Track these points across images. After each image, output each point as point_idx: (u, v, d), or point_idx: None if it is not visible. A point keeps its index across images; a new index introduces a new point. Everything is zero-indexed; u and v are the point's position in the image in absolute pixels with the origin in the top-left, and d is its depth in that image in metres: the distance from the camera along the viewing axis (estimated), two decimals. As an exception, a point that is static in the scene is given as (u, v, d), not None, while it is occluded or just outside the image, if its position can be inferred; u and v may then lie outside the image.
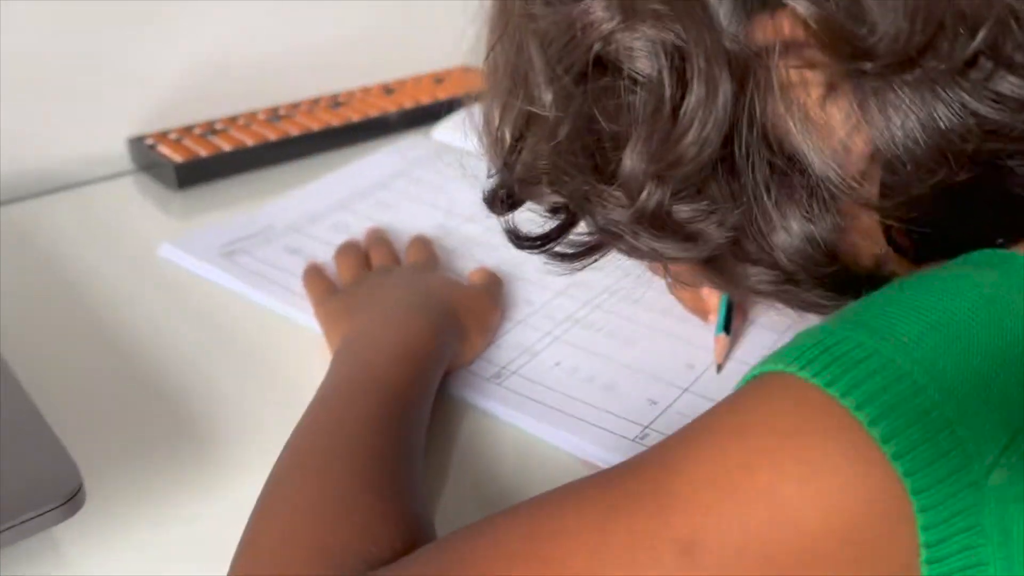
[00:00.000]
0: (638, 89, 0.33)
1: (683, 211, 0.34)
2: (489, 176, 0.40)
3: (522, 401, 0.50)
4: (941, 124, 0.30)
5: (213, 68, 0.80)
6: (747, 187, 0.33)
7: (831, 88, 0.32)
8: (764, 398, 0.30)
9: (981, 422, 0.27)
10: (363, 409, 0.42)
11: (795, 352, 0.29)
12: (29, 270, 0.63)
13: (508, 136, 0.37)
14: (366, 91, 0.88)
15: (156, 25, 0.77)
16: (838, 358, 0.28)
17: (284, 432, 0.44)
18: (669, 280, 0.44)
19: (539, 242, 0.40)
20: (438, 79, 0.92)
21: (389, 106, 0.85)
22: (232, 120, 0.80)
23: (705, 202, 0.34)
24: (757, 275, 0.36)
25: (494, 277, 0.59)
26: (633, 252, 0.37)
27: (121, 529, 0.42)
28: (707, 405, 0.50)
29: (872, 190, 0.32)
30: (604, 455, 0.46)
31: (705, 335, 0.56)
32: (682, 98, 0.32)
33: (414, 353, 0.47)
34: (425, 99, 0.87)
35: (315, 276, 0.59)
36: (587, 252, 0.40)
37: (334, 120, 0.82)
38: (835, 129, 0.32)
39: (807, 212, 0.33)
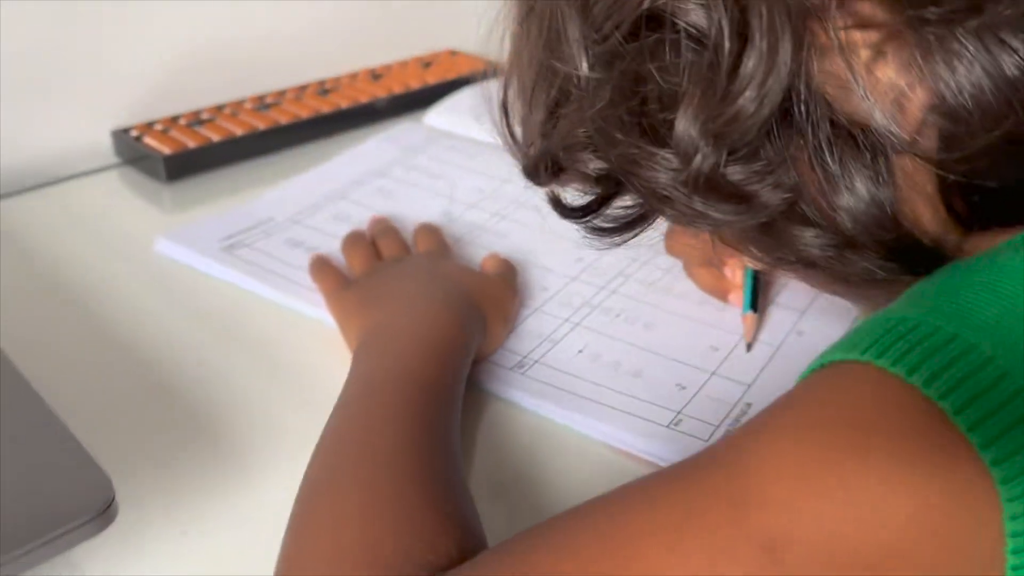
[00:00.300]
0: (692, 45, 0.31)
1: (738, 173, 0.32)
2: (528, 146, 0.39)
3: (548, 390, 0.49)
4: (1008, 72, 0.29)
5: (197, 56, 0.78)
6: (807, 147, 0.32)
7: (888, 40, 0.31)
8: (840, 389, 0.29)
9: None
10: (403, 407, 0.41)
11: (868, 339, 0.29)
12: (22, 271, 0.60)
13: (546, 102, 0.36)
14: (353, 77, 0.86)
15: (137, 13, 0.74)
16: (916, 345, 0.27)
17: (305, 431, 0.43)
18: (708, 255, 0.43)
19: (583, 212, 0.39)
20: (425, 63, 0.90)
21: (377, 92, 0.84)
22: (219, 109, 0.78)
23: (761, 163, 0.32)
24: (813, 239, 0.34)
25: (508, 264, 0.58)
26: (681, 218, 0.35)
27: (152, 540, 0.40)
28: (737, 388, 0.51)
29: (931, 145, 0.31)
30: (640, 443, 0.46)
31: (724, 316, 0.56)
32: (740, 52, 0.30)
33: (445, 346, 0.45)
34: (414, 84, 0.86)
35: (325, 268, 0.57)
36: (628, 225, 0.39)
37: (323, 107, 0.80)
38: (893, 83, 0.31)
39: (872, 172, 0.32)
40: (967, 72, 0.29)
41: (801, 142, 0.32)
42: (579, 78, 0.33)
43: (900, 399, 0.27)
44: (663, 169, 0.33)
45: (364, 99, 0.82)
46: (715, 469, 0.29)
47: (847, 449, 0.27)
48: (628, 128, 0.33)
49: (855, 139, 0.31)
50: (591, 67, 0.33)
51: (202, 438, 0.47)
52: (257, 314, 0.56)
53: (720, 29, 0.30)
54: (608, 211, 0.39)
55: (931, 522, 0.26)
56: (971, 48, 0.29)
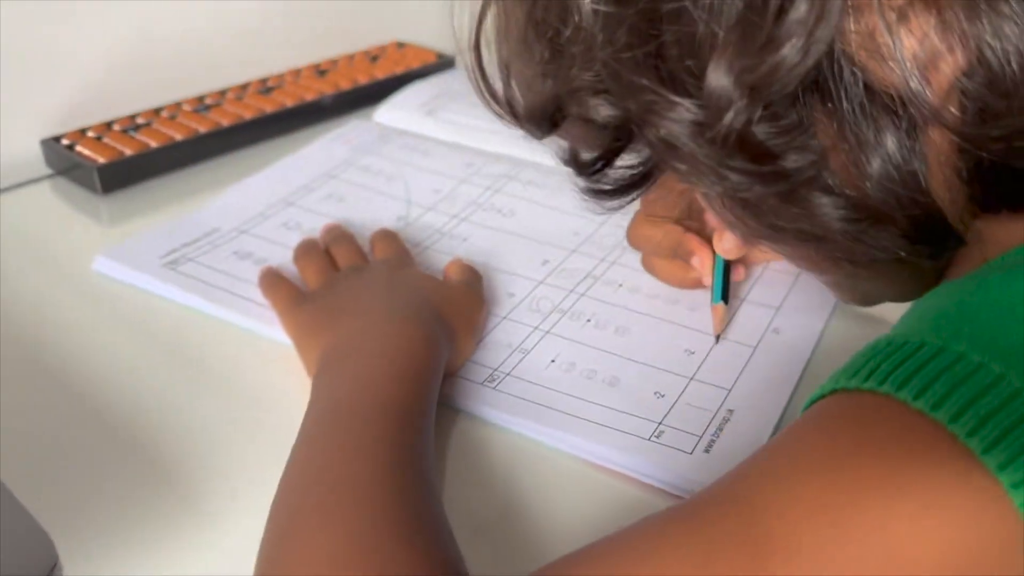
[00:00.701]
0: None
1: (767, 131, 0.30)
2: (528, 90, 0.35)
3: (522, 404, 0.47)
4: None
5: (131, 57, 0.74)
6: (838, 109, 0.29)
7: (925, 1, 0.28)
8: (859, 423, 0.27)
9: None
10: (373, 438, 0.38)
11: (886, 366, 0.27)
12: (-55, 297, 0.56)
13: (549, 38, 0.32)
14: (297, 73, 0.82)
15: (64, 12, 0.70)
16: (940, 375, 0.26)
17: (265, 463, 0.40)
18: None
19: (593, 167, 0.36)
20: (372, 57, 0.87)
21: (324, 88, 0.80)
22: (156, 113, 0.74)
23: (791, 121, 0.30)
24: (834, 210, 0.31)
25: (473, 270, 0.56)
26: (695, 176, 0.32)
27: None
28: (717, 393, 0.49)
29: (963, 118, 0.29)
30: (621, 458, 0.44)
31: (696, 316, 0.54)
32: None
33: (413, 366, 0.43)
34: (362, 79, 0.83)
35: (276, 281, 0.54)
36: (629, 186, 0.36)
37: (267, 106, 0.77)
38: (930, 46, 0.29)
39: (904, 139, 0.30)
40: (1017, 36, 0.27)
41: (830, 104, 0.29)
42: (587, 12, 0.30)
43: (926, 435, 0.25)
44: (686, 122, 0.30)
45: (310, 97, 0.79)
46: (733, 510, 0.28)
47: (870, 490, 0.26)
48: (645, 72, 0.30)
49: (886, 104, 0.29)
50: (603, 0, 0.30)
51: (152, 477, 0.44)
52: (206, 335, 0.53)
53: None
54: (612, 169, 0.36)
55: (962, 564, 0.25)
56: (1019, 11, 0.27)
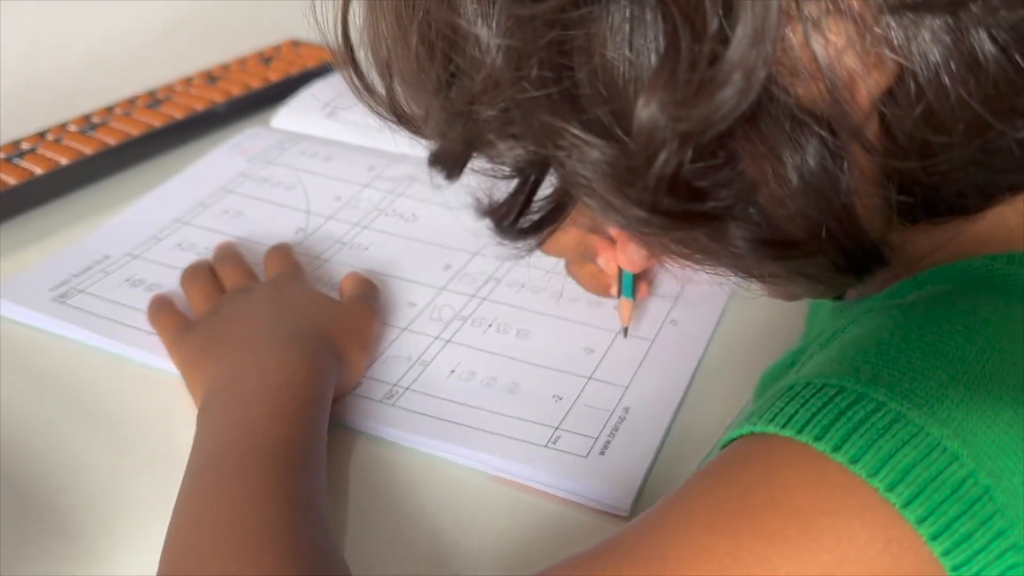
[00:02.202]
0: (660, 17, 0.26)
1: (694, 171, 0.28)
2: (425, 125, 0.34)
3: (421, 420, 0.49)
4: (980, 57, 0.27)
5: (10, 82, 0.73)
6: (767, 133, 0.28)
7: (853, 20, 0.27)
8: (773, 471, 0.28)
9: (1018, 482, 0.26)
10: (259, 480, 0.39)
11: (802, 415, 0.28)
12: None
13: (440, 72, 0.31)
14: (187, 82, 0.82)
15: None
16: (859, 427, 0.27)
17: (159, 500, 0.41)
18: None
19: (507, 212, 0.34)
20: (266, 59, 0.87)
21: (216, 96, 0.80)
22: (40, 137, 0.74)
23: (720, 158, 0.28)
24: (757, 244, 0.30)
25: (368, 283, 0.57)
26: (614, 217, 0.31)
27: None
28: (614, 392, 0.51)
29: (882, 141, 0.29)
30: (517, 469, 0.46)
31: (597, 313, 0.56)
32: (727, 29, 0.26)
33: (297, 398, 0.44)
34: (255, 83, 0.83)
35: (163, 310, 0.54)
36: (544, 221, 0.34)
37: (156, 121, 0.76)
38: (845, 61, 0.28)
39: (827, 158, 0.28)
40: (942, 57, 0.27)
41: (758, 130, 0.28)
42: (488, 46, 0.28)
43: (843, 489, 0.26)
44: (610, 166, 0.28)
45: (201, 107, 0.79)
46: (642, 563, 0.28)
47: (782, 542, 0.26)
48: (561, 113, 0.28)
49: (810, 123, 0.28)
50: (504, 31, 0.28)
51: (42, 519, 0.44)
52: (101, 372, 0.54)
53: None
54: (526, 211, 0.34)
55: None
56: (949, 37, 0.27)
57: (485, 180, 0.34)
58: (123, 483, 0.46)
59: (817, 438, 0.27)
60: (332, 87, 0.83)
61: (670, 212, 0.29)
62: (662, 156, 0.27)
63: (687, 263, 0.34)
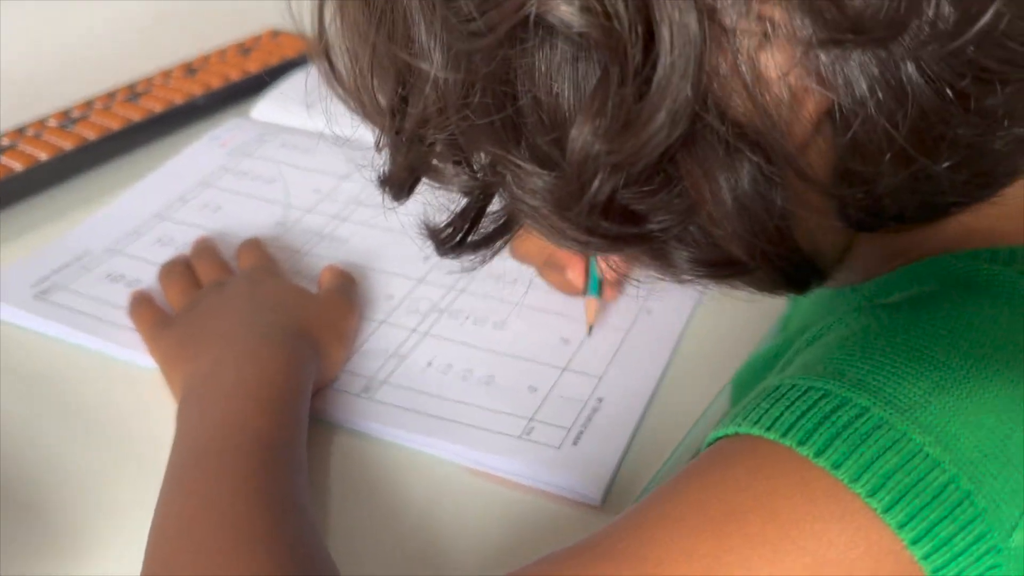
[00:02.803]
0: (583, 53, 0.27)
1: (630, 196, 0.29)
2: (378, 149, 0.35)
3: (396, 413, 0.50)
4: (908, 89, 0.28)
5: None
6: (703, 152, 0.29)
7: (785, 48, 0.28)
8: (756, 474, 0.28)
9: (1000, 487, 0.27)
10: (239, 482, 0.40)
11: (787, 418, 0.28)
12: None
13: (391, 98, 0.32)
14: (166, 75, 0.82)
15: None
16: (842, 432, 0.27)
17: (142, 498, 0.42)
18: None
19: (452, 234, 0.36)
20: (245, 49, 0.87)
21: (195, 89, 0.81)
22: (19, 133, 0.74)
23: (656, 183, 0.29)
24: (695, 263, 0.32)
25: (345, 276, 0.58)
26: (556, 239, 0.32)
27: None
28: (588, 382, 0.52)
29: (822, 162, 0.30)
30: (492, 460, 0.47)
31: (574, 304, 0.57)
32: (647, 63, 0.26)
33: (276, 393, 0.45)
34: (234, 75, 0.83)
35: (142, 306, 0.55)
36: (491, 237, 0.36)
37: (135, 115, 0.77)
38: (783, 93, 0.28)
39: (760, 179, 0.29)
40: (867, 88, 0.27)
41: (694, 149, 0.29)
42: (430, 76, 0.29)
43: (824, 493, 0.27)
44: (548, 193, 0.30)
45: (181, 99, 0.79)
46: (624, 563, 0.29)
47: (764, 544, 0.27)
48: (504, 141, 0.30)
49: (747, 140, 0.29)
50: (449, 65, 0.29)
51: (25, 519, 0.45)
52: (82, 368, 0.54)
53: (620, 33, 0.26)
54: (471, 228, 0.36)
55: None
56: (877, 70, 0.27)
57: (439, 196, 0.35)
58: (104, 480, 0.47)
59: (801, 442, 0.28)
60: (313, 77, 0.84)
61: (607, 235, 0.31)
62: (595, 183, 0.28)
63: (646, 273, 0.35)
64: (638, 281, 0.39)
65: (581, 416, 0.48)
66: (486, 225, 0.35)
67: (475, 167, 0.32)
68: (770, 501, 0.27)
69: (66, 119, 0.76)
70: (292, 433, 0.44)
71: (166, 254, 0.62)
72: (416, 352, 0.54)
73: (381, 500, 0.46)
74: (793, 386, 0.29)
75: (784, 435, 0.28)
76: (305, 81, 0.82)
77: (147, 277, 0.60)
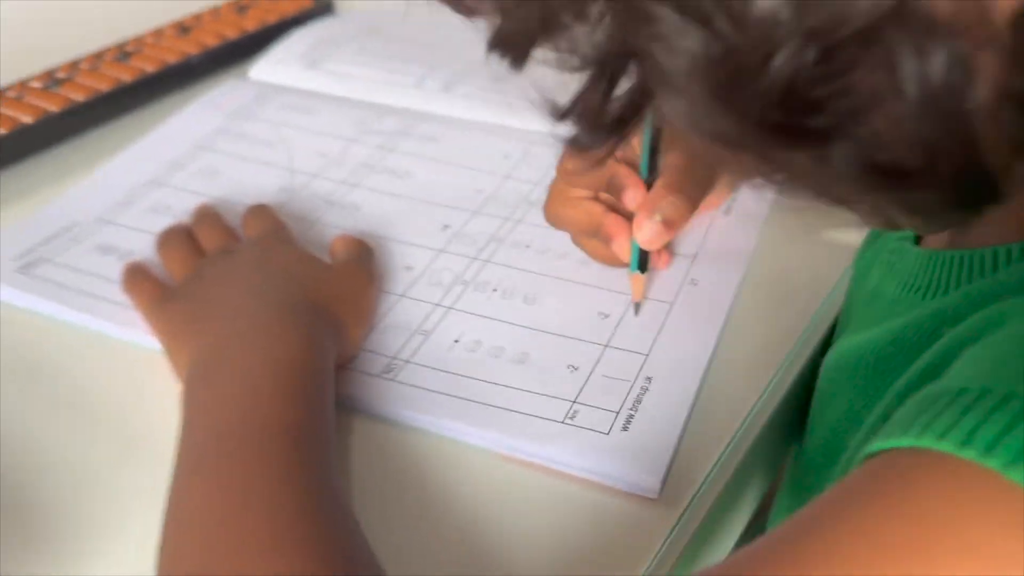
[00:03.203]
0: None
1: (810, 78, 0.24)
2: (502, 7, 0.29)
3: (422, 395, 0.45)
4: None
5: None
6: (892, 43, 0.24)
7: None
8: (947, 499, 0.24)
9: None
10: (272, 472, 0.35)
11: (985, 433, 0.24)
12: None
13: None
14: (157, 34, 0.77)
15: None
16: None
17: (145, 492, 0.38)
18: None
19: (582, 110, 0.29)
20: (241, 7, 0.82)
21: (189, 48, 0.75)
22: (0, 94, 0.69)
23: (839, 63, 0.24)
24: (864, 170, 0.26)
25: (362, 245, 0.53)
26: (694, 123, 0.26)
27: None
28: (634, 360, 0.47)
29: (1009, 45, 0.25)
30: (533, 447, 0.42)
31: (611, 275, 0.52)
32: None
33: (300, 374, 0.40)
34: (231, 33, 0.78)
35: (138, 278, 0.50)
36: (619, 122, 0.29)
37: (125, 75, 0.72)
38: None
39: (953, 75, 0.24)
40: None
41: (880, 37, 0.24)
42: None
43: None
44: (710, 64, 0.24)
45: (174, 59, 0.74)
46: None
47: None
48: None
49: (939, 34, 0.24)
50: None
51: (15, 523, 0.40)
52: (72, 348, 0.50)
53: None
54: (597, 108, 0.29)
55: None
56: None
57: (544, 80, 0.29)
58: (99, 471, 0.43)
59: (1008, 463, 0.23)
60: (313, 35, 0.79)
61: (774, 127, 0.25)
62: (779, 57, 0.23)
63: (763, 185, 0.29)
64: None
65: (629, 398, 0.44)
66: (613, 108, 0.29)
67: (614, 26, 0.26)
68: (964, 531, 0.23)
69: (50, 80, 0.71)
70: (321, 422, 0.39)
71: (161, 223, 0.56)
72: (441, 328, 0.49)
73: (404, 490, 0.41)
74: (986, 392, 0.25)
75: (985, 454, 0.23)
76: (306, 39, 0.78)
77: (142, 248, 0.55)
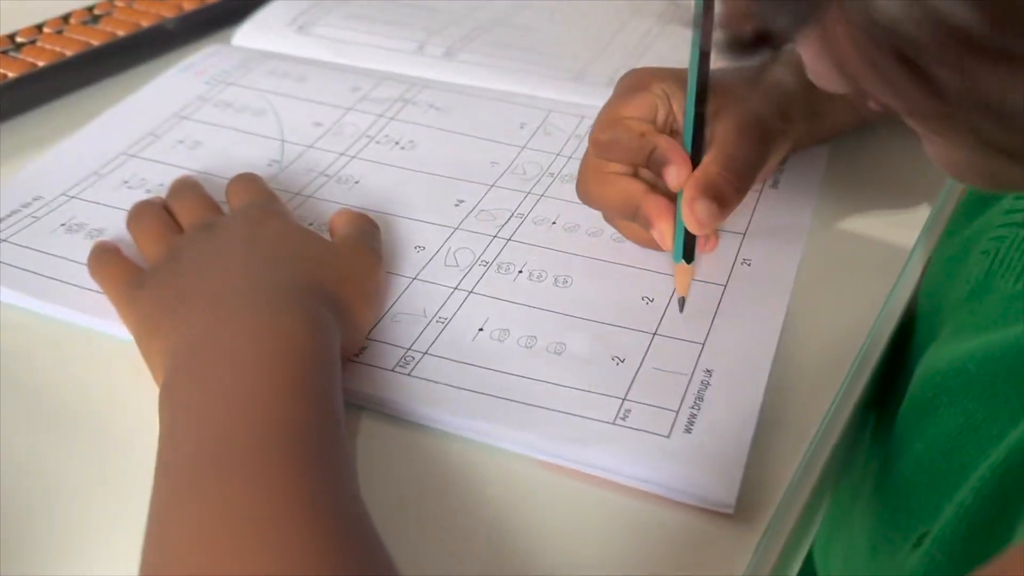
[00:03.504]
0: None
1: None
2: None
3: (442, 392, 0.38)
4: None
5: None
6: None
7: None
8: None
9: None
10: (278, 488, 0.29)
11: None
12: None
13: None
14: (131, -6, 0.70)
15: None
16: None
17: (117, 508, 0.30)
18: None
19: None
20: (224, -33, 0.75)
21: (165, 11, 0.69)
22: (-50, 57, 0.61)
23: None
24: None
25: (365, 219, 0.46)
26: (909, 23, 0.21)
27: None
28: (689, 350, 0.40)
29: None
30: (580, 453, 0.36)
31: (650, 256, 0.46)
32: None
33: (301, 369, 0.34)
34: (212, -5, 0.71)
35: (109, 260, 0.43)
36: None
37: (94, 39, 0.65)
38: None
39: None
40: None
41: None
42: None
43: None
44: None
45: (148, 22, 0.67)
46: None
47: None
48: None
49: None
50: None
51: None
52: (34, 340, 0.43)
53: None
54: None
55: None
56: None
57: None
58: (65, 478, 0.36)
59: None
60: (304, -2, 0.72)
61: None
62: None
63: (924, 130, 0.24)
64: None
65: (688, 395, 0.38)
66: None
67: None
68: None
69: (11, 44, 0.64)
70: (330, 422, 0.33)
71: (135, 198, 0.50)
72: (461, 315, 0.42)
73: (424, 502, 0.35)
74: None
75: None
76: (295, 1, 0.71)
77: (113, 226, 0.48)
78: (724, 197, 0.40)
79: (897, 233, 0.48)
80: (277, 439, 0.30)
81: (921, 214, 0.50)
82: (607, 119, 0.43)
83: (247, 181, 0.47)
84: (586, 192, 0.45)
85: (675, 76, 0.44)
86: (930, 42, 0.21)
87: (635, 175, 0.43)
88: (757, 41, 0.24)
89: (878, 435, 0.46)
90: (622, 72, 0.46)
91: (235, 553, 0.27)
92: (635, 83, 0.44)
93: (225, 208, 0.46)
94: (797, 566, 0.39)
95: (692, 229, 0.41)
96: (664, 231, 0.42)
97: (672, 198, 0.42)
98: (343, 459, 0.32)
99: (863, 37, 0.23)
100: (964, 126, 0.24)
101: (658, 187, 0.42)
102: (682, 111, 0.43)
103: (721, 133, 0.42)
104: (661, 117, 0.43)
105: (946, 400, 0.36)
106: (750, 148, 0.42)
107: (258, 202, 0.44)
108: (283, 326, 0.35)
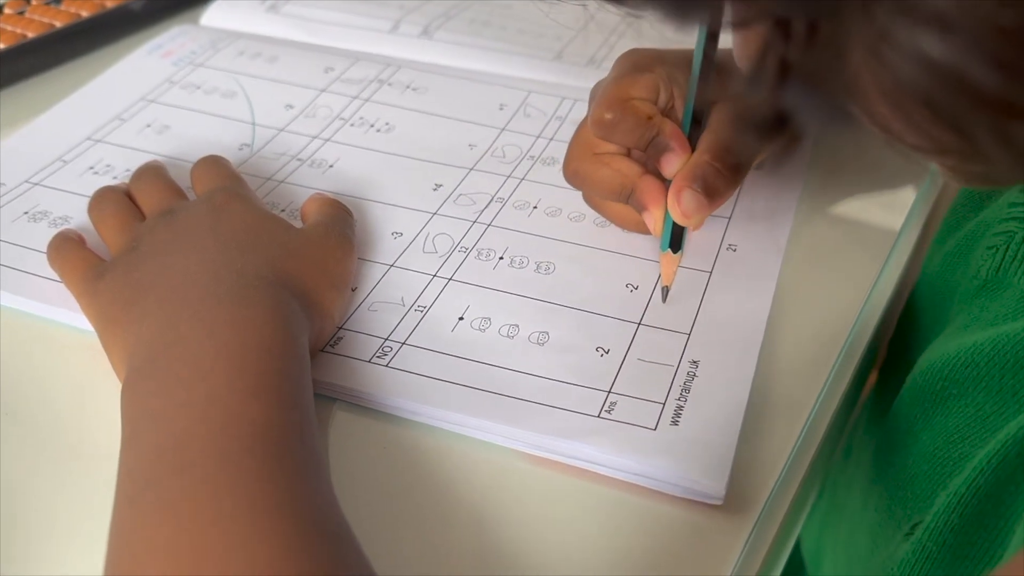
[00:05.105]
0: None
1: None
2: None
3: (421, 383, 0.37)
4: None
5: None
6: None
7: None
8: None
9: None
10: (245, 495, 0.28)
11: None
12: None
13: None
14: (95, -27, 0.68)
15: None
16: None
17: (77, 512, 0.29)
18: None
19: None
20: (191, -56, 0.73)
21: (132, -11, 0.67)
22: (-96, 38, 0.59)
23: None
24: None
25: (337, 205, 0.44)
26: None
27: None
28: (674, 341, 0.39)
29: None
30: (561, 444, 0.35)
31: (634, 241, 0.45)
32: None
33: (269, 364, 0.32)
34: (180, -27, 0.69)
35: (69, 251, 0.42)
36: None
37: (57, 20, 0.63)
38: None
39: None
40: None
41: None
42: None
43: None
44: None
45: (113, 2, 0.65)
46: None
47: None
48: None
49: None
50: None
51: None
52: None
53: None
54: None
55: None
56: None
57: None
58: (21, 482, 0.35)
59: None
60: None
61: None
62: None
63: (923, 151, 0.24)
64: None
65: (675, 386, 0.37)
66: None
67: None
68: None
69: (-33, 23, 0.62)
70: (298, 419, 0.32)
71: (102, 185, 0.48)
72: (441, 303, 0.41)
73: (410, 499, 0.34)
74: None
75: None
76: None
77: (79, 215, 0.47)
78: (714, 188, 0.39)
79: (884, 216, 0.47)
80: (239, 440, 0.29)
81: (907, 196, 0.49)
82: (613, 98, 0.41)
83: (212, 164, 0.46)
84: (575, 172, 0.43)
85: (678, 60, 0.42)
86: (961, 105, 0.21)
87: (628, 155, 0.42)
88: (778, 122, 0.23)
89: (872, 426, 0.45)
90: (602, 52, 0.45)
91: (198, 561, 0.26)
92: (640, 63, 0.42)
93: (191, 194, 0.45)
94: (787, 556, 0.38)
95: (677, 220, 0.40)
96: (657, 217, 0.41)
97: (667, 182, 0.41)
98: (312, 457, 0.31)
99: (893, 90, 0.21)
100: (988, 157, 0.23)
101: (650, 169, 0.41)
102: (682, 97, 0.42)
103: (717, 121, 0.40)
104: (662, 101, 0.42)
105: (955, 392, 0.36)
106: (744, 141, 0.41)
107: (223, 186, 0.43)
108: (245, 320, 0.34)
